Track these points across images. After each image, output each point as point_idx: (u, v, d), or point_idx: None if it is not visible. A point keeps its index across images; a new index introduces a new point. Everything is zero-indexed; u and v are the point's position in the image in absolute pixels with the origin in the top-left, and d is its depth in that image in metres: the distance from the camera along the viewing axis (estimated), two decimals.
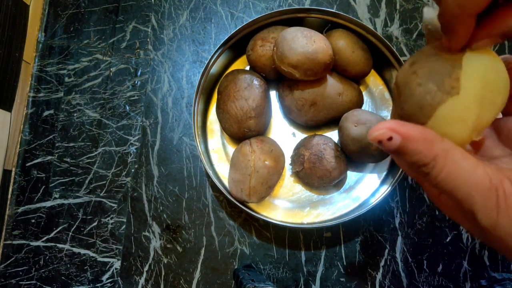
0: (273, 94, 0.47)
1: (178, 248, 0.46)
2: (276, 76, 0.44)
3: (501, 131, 0.23)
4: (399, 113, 0.21)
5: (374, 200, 0.42)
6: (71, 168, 0.47)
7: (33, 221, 0.46)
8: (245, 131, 0.42)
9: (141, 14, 0.50)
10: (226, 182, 0.44)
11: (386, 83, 0.47)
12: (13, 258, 0.46)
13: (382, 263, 0.45)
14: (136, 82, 0.49)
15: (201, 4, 0.50)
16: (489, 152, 0.23)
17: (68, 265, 0.46)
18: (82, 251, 0.46)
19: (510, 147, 0.22)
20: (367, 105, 0.47)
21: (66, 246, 0.46)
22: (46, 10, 0.50)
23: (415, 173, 0.22)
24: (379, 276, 0.45)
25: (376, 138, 0.18)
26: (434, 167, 0.18)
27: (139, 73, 0.49)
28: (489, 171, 0.18)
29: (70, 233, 0.46)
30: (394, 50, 0.42)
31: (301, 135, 0.46)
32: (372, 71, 0.46)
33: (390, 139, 0.18)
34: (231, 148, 0.46)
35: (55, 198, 0.47)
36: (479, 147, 0.23)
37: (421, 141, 0.18)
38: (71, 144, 0.48)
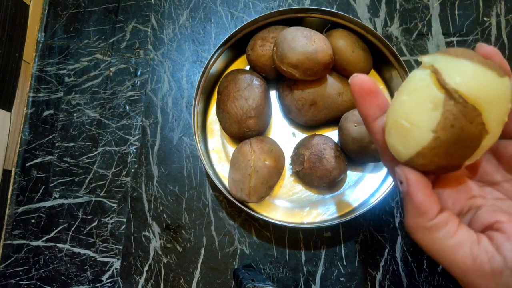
0: (273, 94, 0.47)
1: (178, 248, 0.46)
2: (276, 76, 0.44)
3: (502, 155, 0.22)
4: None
5: (374, 200, 0.42)
6: (71, 168, 0.47)
7: (33, 221, 0.46)
8: (245, 131, 0.42)
9: (141, 14, 0.50)
10: (226, 182, 0.44)
11: (386, 83, 0.47)
12: (13, 258, 0.46)
13: (382, 263, 0.45)
14: (136, 82, 0.49)
15: (201, 4, 0.50)
16: (489, 177, 0.22)
17: (68, 265, 0.46)
18: (82, 251, 0.46)
19: (511, 172, 0.22)
20: None
21: (66, 246, 0.46)
22: (46, 10, 0.50)
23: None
24: (379, 276, 0.45)
25: (399, 175, 0.21)
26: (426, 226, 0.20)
27: (139, 73, 0.49)
28: (474, 249, 0.19)
29: (70, 233, 0.46)
30: (394, 50, 0.42)
31: (301, 135, 0.46)
32: (372, 71, 0.46)
33: (401, 182, 0.21)
34: (231, 148, 0.46)
35: (55, 198, 0.47)
36: (475, 171, 0.23)
37: (419, 202, 0.20)
38: (71, 144, 0.48)
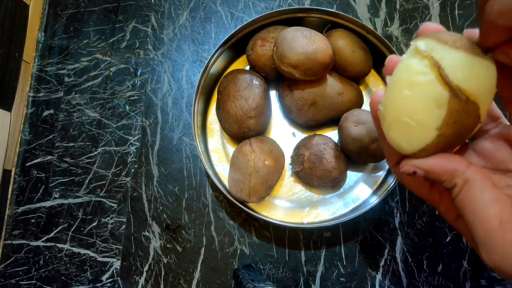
0: (273, 94, 0.47)
1: (178, 248, 0.46)
2: (276, 76, 0.44)
3: None
4: None
5: (374, 200, 0.42)
6: (71, 168, 0.47)
7: (33, 221, 0.46)
8: (245, 131, 0.42)
9: (141, 14, 0.50)
10: (226, 182, 0.44)
11: (386, 83, 0.47)
12: (13, 258, 0.46)
13: (382, 263, 0.45)
14: (136, 82, 0.49)
15: (201, 4, 0.50)
16: (503, 165, 0.22)
17: (68, 265, 0.46)
18: (82, 251, 0.46)
19: None
20: (367, 105, 0.47)
21: (66, 246, 0.46)
22: (46, 10, 0.50)
23: (425, 192, 0.24)
24: (379, 276, 0.45)
25: (405, 172, 0.21)
26: (452, 191, 0.20)
27: (139, 73, 0.49)
28: (505, 213, 0.18)
29: (70, 233, 0.46)
30: (394, 50, 0.42)
31: (301, 135, 0.46)
32: (372, 71, 0.46)
33: (414, 173, 0.21)
34: (231, 148, 0.46)
35: (55, 198, 0.47)
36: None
37: (442, 173, 0.20)
38: (71, 144, 0.48)
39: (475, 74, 0.18)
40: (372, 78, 0.47)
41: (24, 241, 0.46)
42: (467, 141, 0.22)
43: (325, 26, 0.45)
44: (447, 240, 0.45)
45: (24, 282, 0.46)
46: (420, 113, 0.19)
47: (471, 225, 0.19)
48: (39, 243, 0.46)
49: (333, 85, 0.42)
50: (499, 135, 0.22)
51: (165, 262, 0.45)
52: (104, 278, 0.45)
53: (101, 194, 0.47)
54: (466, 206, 0.19)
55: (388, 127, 0.21)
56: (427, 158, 0.21)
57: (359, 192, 0.45)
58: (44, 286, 0.45)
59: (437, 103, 0.19)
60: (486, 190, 0.19)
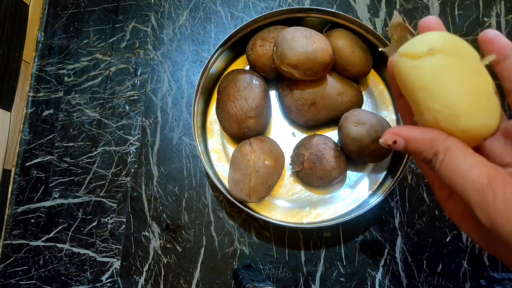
0: (273, 94, 0.47)
1: (178, 248, 0.46)
2: (276, 76, 0.44)
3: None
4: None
5: (374, 200, 0.42)
6: (70, 168, 0.47)
7: (32, 221, 0.46)
8: (245, 131, 0.42)
9: (141, 14, 0.50)
10: (225, 182, 0.44)
11: (386, 83, 0.47)
12: (12, 258, 0.46)
13: (381, 263, 0.45)
14: (135, 81, 0.49)
15: (201, 3, 0.50)
16: (499, 159, 0.22)
17: (68, 265, 0.46)
18: (82, 251, 0.46)
19: None
20: (367, 105, 0.47)
21: (66, 246, 0.46)
22: (46, 10, 0.50)
23: (426, 167, 0.25)
24: (378, 276, 0.45)
25: (384, 143, 0.22)
26: (435, 162, 0.20)
27: (138, 73, 0.49)
28: (492, 172, 0.19)
29: (70, 233, 0.46)
30: None
31: (301, 135, 0.46)
32: (372, 71, 0.46)
33: (395, 142, 0.21)
34: (231, 148, 0.46)
35: (55, 198, 0.47)
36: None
37: (421, 141, 0.21)
38: (71, 144, 0.48)
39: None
40: (372, 78, 0.47)
41: (24, 241, 0.46)
42: None
43: (325, 26, 0.45)
44: (447, 240, 0.45)
45: (24, 282, 0.46)
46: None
47: (462, 190, 0.19)
48: (39, 243, 0.46)
49: (333, 85, 0.42)
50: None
51: (165, 262, 0.45)
52: (104, 278, 0.45)
53: (101, 194, 0.47)
54: (453, 172, 0.19)
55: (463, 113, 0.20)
56: (407, 127, 0.22)
57: (359, 192, 0.45)
58: (44, 286, 0.45)
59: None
60: (468, 156, 0.19)
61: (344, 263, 0.45)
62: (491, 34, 0.21)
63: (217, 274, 0.45)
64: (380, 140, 0.22)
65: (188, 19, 0.50)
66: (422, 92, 0.20)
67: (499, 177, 0.18)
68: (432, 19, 0.23)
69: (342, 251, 0.45)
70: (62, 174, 0.47)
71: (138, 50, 0.49)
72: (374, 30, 0.43)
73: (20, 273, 0.46)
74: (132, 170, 0.47)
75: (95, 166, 0.47)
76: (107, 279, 0.45)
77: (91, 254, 0.46)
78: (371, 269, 0.45)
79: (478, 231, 0.22)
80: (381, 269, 0.45)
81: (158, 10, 0.50)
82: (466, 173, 0.19)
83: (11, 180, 0.47)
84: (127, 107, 0.48)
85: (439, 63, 0.20)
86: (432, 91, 0.20)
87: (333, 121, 0.45)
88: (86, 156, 0.48)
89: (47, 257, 0.46)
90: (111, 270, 0.46)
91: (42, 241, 0.46)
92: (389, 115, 0.46)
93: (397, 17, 0.25)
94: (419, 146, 0.21)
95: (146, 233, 0.46)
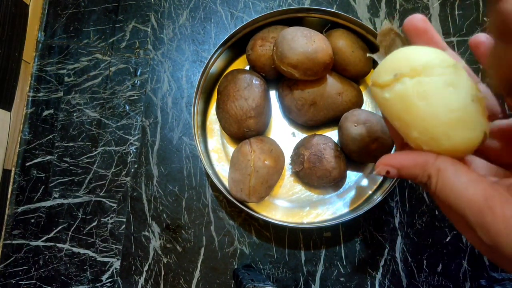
0: (273, 94, 0.47)
1: (178, 248, 0.46)
2: (276, 76, 0.44)
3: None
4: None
5: (374, 200, 0.42)
6: (70, 167, 0.47)
7: (32, 220, 0.46)
8: (245, 131, 0.42)
9: (141, 14, 0.50)
10: (225, 182, 0.44)
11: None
12: (12, 258, 0.46)
13: (381, 263, 0.45)
14: (135, 81, 0.49)
15: (201, 3, 0.50)
16: (498, 159, 0.22)
17: (68, 265, 0.46)
18: (82, 251, 0.46)
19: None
20: (367, 105, 0.47)
21: (66, 246, 0.46)
22: (46, 10, 0.50)
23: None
24: (378, 276, 0.45)
25: (377, 174, 0.22)
26: (430, 185, 0.20)
27: (138, 73, 0.49)
28: (488, 190, 0.18)
29: (70, 233, 0.46)
30: None
31: (301, 135, 0.46)
32: (372, 71, 0.46)
33: (388, 172, 0.21)
34: (231, 148, 0.46)
35: (55, 197, 0.47)
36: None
37: (413, 167, 0.20)
38: (71, 144, 0.48)
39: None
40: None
41: (24, 241, 0.46)
42: None
43: (325, 26, 0.45)
44: (447, 240, 0.45)
45: (24, 282, 0.46)
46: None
47: (460, 210, 0.19)
48: (39, 243, 0.46)
49: (333, 85, 0.42)
50: (497, 130, 0.22)
51: (165, 262, 0.45)
52: (104, 278, 0.45)
53: (101, 194, 0.47)
54: (448, 193, 0.19)
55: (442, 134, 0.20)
56: (396, 155, 0.21)
57: (359, 192, 0.45)
58: (44, 286, 0.45)
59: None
60: (461, 173, 0.19)
61: (344, 263, 0.45)
62: (482, 38, 0.21)
63: (217, 274, 0.45)
64: (374, 172, 0.22)
65: (188, 19, 0.50)
66: (398, 122, 0.20)
67: (497, 194, 0.18)
68: (418, 18, 0.22)
69: (342, 251, 0.45)
70: (62, 174, 0.47)
71: (138, 50, 0.49)
72: (374, 30, 0.43)
73: (20, 273, 0.46)
74: (132, 170, 0.47)
75: (95, 166, 0.47)
76: (107, 279, 0.45)
77: (91, 254, 0.46)
78: (371, 269, 0.45)
79: (481, 243, 0.22)
80: (381, 269, 0.45)
81: (158, 10, 0.50)
82: (461, 193, 0.18)
83: (11, 180, 0.47)
84: (127, 107, 0.48)
85: (406, 88, 0.19)
86: (406, 120, 0.20)
87: (333, 121, 0.45)
88: (86, 156, 0.48)
89: (47, 257, 0.46)
90: (111, 270, 0.46)
91: (42, 241, 0.46)
92: None
93: (387, 23, 0.24)
94: (411, 172, 0.20)
95: (146, 233, 0.46)
